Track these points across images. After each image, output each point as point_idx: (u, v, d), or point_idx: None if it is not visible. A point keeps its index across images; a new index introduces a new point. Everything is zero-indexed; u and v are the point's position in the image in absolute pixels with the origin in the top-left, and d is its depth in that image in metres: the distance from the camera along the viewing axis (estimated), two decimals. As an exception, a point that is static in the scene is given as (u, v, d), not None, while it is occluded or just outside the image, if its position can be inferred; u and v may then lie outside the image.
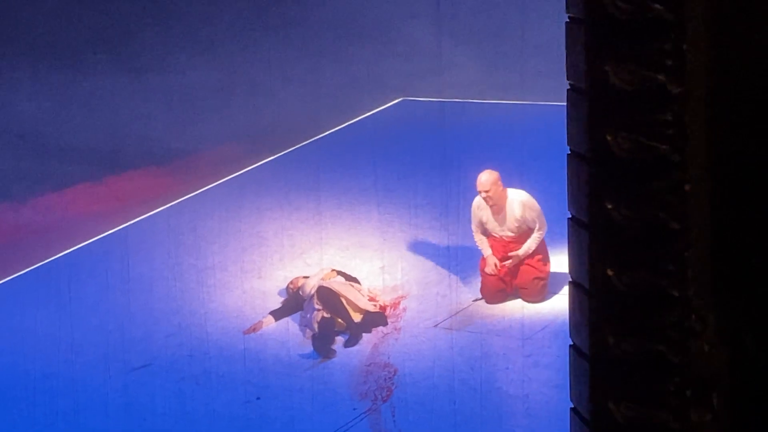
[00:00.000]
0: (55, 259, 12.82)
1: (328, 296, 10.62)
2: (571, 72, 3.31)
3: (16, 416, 9.89)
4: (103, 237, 13.29)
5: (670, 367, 3.21)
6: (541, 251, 10.78)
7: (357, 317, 10.63)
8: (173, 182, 14.63)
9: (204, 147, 15.65)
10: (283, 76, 16.95)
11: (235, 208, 13.61)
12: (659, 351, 3.20)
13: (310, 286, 10.78)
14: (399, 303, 11.00)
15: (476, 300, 10.91)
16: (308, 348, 10.41)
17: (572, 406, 3.44)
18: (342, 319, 10.57)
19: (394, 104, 17.02)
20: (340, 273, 11.13)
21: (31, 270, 12.62)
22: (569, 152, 3.35)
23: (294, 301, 10.95)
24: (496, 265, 10.73)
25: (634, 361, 3.23)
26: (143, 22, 17.39)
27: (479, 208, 10.82)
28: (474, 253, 11.09)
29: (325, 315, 10.52)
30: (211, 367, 10.28)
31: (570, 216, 3.37)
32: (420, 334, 10.50)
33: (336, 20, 17.74)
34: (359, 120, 16.51)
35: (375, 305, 10.82)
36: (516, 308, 10.72)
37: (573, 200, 3.34)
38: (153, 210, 13.89)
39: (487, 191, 10.62)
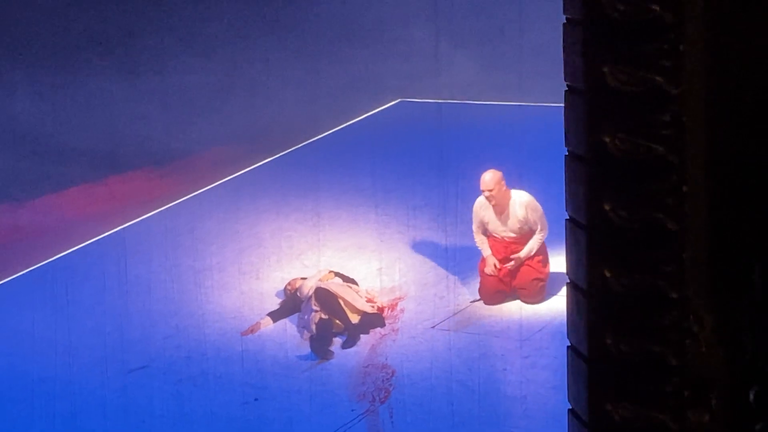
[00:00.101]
0: (53, 260, 12.81)
1: (325, 297, 10.62)
2: (569, 73, 3.30)
3: (14, 418, 9.87)
4: (101, 238, 13.28)
5: (668, 368, 3.20)
6: (542, 253, 10.78)
7: (355, 318, 10.63)
8: (171, 183, 14.63)
9: (202, 148, 15.65)
10: (282, 78, 16.95)
11: (232, 209, 13.61)
12: (657, 352, 3.20)
13: (308, 288, 10.78)
14: (397, 304, 11.00)
15: (474, 301, 10.91)
16: (306, 349, 10.40)
17: (570, 407, 3.44)
18: (340, 321, 10.56)
19: (392, 105, 17.02)
20: (337, 274, 11.12)
21: (28, 271, 12.60)
22: (567, 153, 3.35)
23: (292, 303, 10.94)
24: (495, 266, 10.72)
25: (632, 362, 3.22)
26: (141, 24, 17.39)
27: (482, 207, 10.80)
28: (472, 254, 11.08)
29: (323, 316, 10.52)
30: (209, 369, 10.27)
31: (568, 217, 3.37)
32: (418, 335, 10.50)
33: (334, 21, 17.74)
34: (357, 121, 16.51)
35: (373, 306, 10.82)
36: (514, 309, 10.71)
37: (571, 201, 3.34)
38: (151, 211, 13.88)
39: (490, 190, 10.60)
